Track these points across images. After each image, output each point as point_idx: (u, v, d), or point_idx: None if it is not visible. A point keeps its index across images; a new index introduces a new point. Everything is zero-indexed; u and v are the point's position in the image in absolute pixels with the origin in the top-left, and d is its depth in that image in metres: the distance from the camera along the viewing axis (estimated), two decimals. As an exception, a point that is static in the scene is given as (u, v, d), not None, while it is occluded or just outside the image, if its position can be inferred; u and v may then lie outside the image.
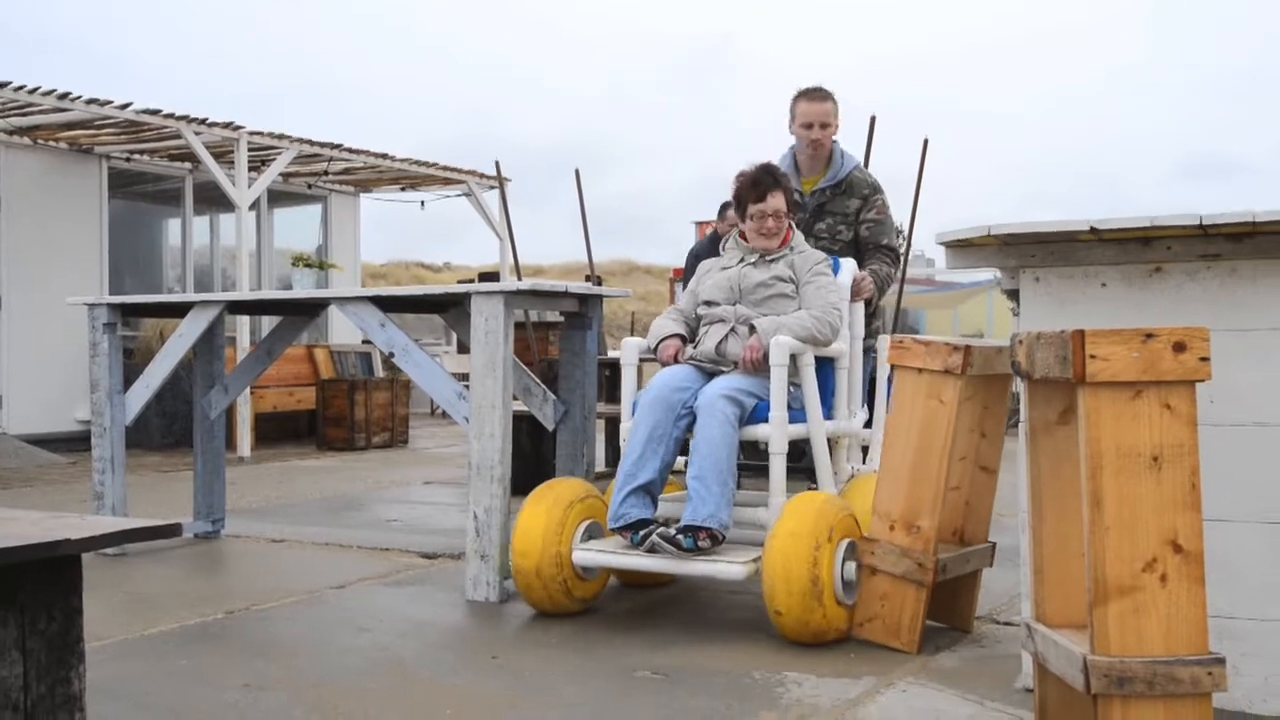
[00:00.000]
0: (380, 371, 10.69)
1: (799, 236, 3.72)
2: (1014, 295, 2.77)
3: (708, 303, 3.65)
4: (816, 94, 4.17)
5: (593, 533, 3.42)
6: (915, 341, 3.08)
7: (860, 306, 3.80)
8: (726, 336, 3.52)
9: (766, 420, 3.29)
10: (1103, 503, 1.95)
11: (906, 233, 6.47)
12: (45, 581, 1.84)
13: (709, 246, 7.78)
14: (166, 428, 9.01)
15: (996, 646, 3.08)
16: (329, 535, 4.92)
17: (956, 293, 23.59)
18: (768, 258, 3.62)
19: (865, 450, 3.81)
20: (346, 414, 9.30)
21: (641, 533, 3.19)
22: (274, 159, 9.24)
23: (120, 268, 9.84)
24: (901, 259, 4.14)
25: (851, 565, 3.09)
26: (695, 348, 3.58)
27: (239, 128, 8.72)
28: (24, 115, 8.19)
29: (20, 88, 7.59)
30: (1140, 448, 1.95)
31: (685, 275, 5.99)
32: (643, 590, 3.77)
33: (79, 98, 7.85)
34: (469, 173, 11.11)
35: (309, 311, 4.74)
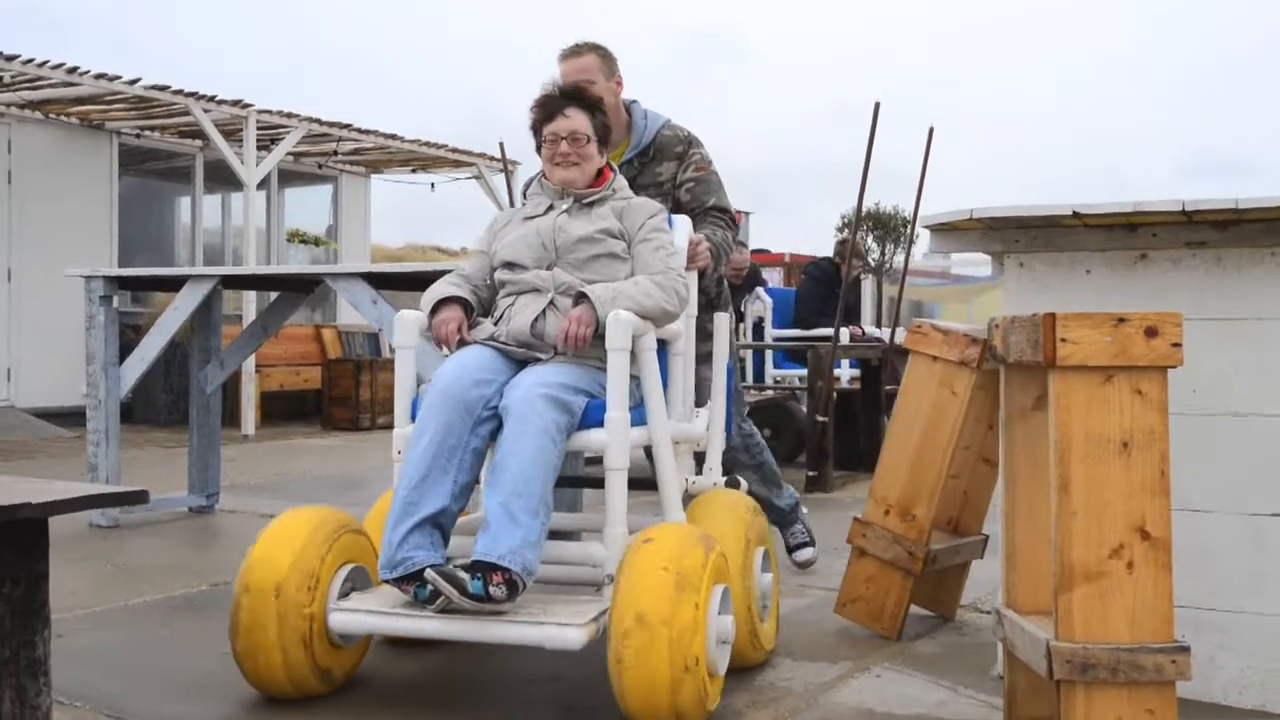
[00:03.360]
0: (387, 352, 10.72)
1: (621, 179, 2.91)
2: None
3: (509, 265, 2.74)
4: (570, 51, 3.37)
5: (357, 582, 2.51)
6: (934, 328, 3.03)
7: (694, 277, 3.02)
8: (544, 312, 2.64)
9: (601, 424, 2.48)
10: (1070, 487, 1.94)
11: (910, 220, 6.44)
12: (8, 546, 1.84)
13: None
14: (174, 404, 9.06)
15: (977, 635, 3.07)
16: (323, 512, 4.92)
17: (972, 286, 23.54)
18: (586, 201, 2.78)
19: (702, 458, 3.06)
20: (352, 394, 9.33)
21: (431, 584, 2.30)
22: (283, 138, 9.26)
23: (132, 244, 9.89)
24: (738, 226, 3.45)
25: (728, 619, 2.36)
26: (497, 325, 2.69)
27: (248, 105, 8.74)
28: (34, 89, 8.22)
29: (29, 60, 7.62)
30: (1110, 433, 1.93)
31: None
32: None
33: (87, 72, 7.89)
34: (479, 155, 11.11)
35: (304, 288, 4.74)
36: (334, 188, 11.49)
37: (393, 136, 10.21)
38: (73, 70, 7.81)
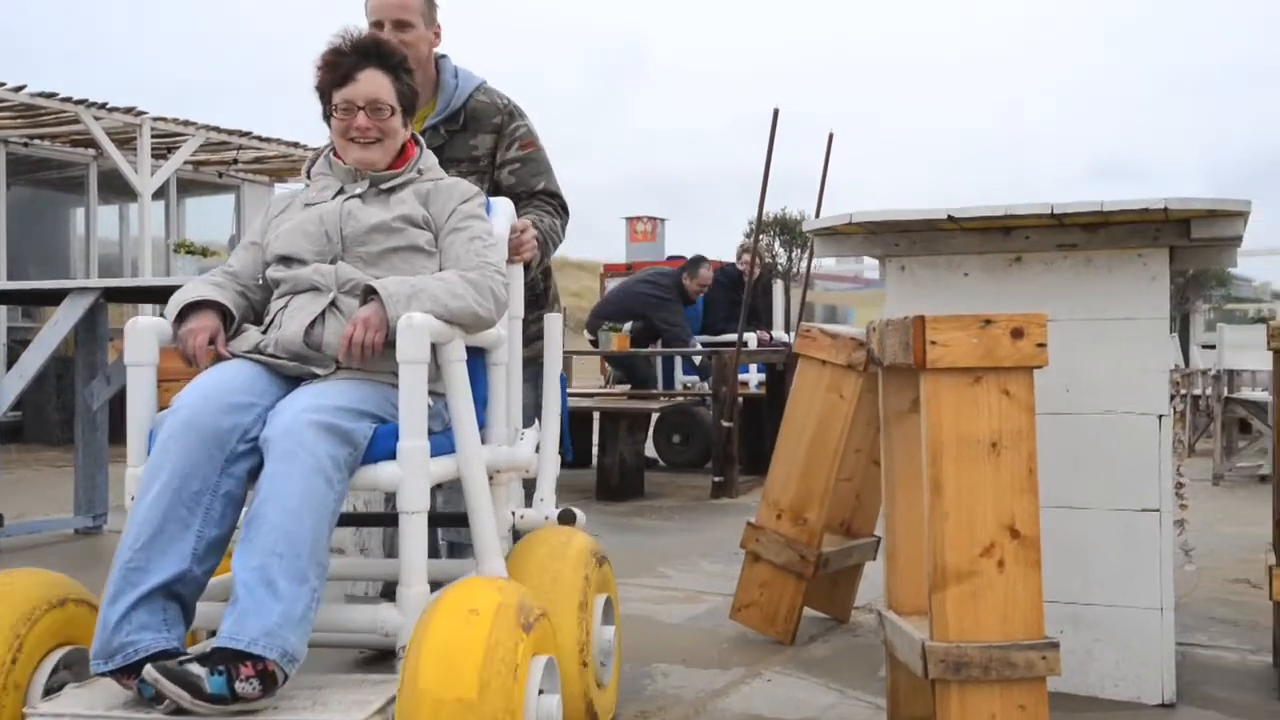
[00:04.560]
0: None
1: (429, 155, 2.38)
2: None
3: (284, 259, 2.21)
4: None
5: (76, 670, 1.93)
6: (822, 332, 3.06)
7: (519, 271, 2.54)
8: (322, 315, 2.12)
9: (392, 455, 1.95)
10: (942, 489, 1.96)
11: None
12: None
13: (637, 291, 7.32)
14: (66, 422, 8.73)
15: (869, 636, 3.09)
16: (217, 530, 4.79)
17: (884, 290, 23.91)
18: (384, 185, 2.26)
19: (531, 488, 2.61)
20: (256, 408, 9.11)
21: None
22: (179, 146, 9.03)
23: (24, 257, 9.54)
24: (568, 212, 2.95)
25: (552, 700, 1.84)
26: (266, 333, 2.17)
27: (141, 113, 8.51)
28: (-88, 97, 7.91)
29: (-94, 68, 7.32)
30: (979, 434, 1.96)
31: None
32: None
33: (-31, 79, 7.61)
34: (386, 163, 10.95)
35: (194, 300, 4.61)
36: (236, 197, 11.24)
37: (294, 144, 10.03)
38: (-47, 77, 7.53)
